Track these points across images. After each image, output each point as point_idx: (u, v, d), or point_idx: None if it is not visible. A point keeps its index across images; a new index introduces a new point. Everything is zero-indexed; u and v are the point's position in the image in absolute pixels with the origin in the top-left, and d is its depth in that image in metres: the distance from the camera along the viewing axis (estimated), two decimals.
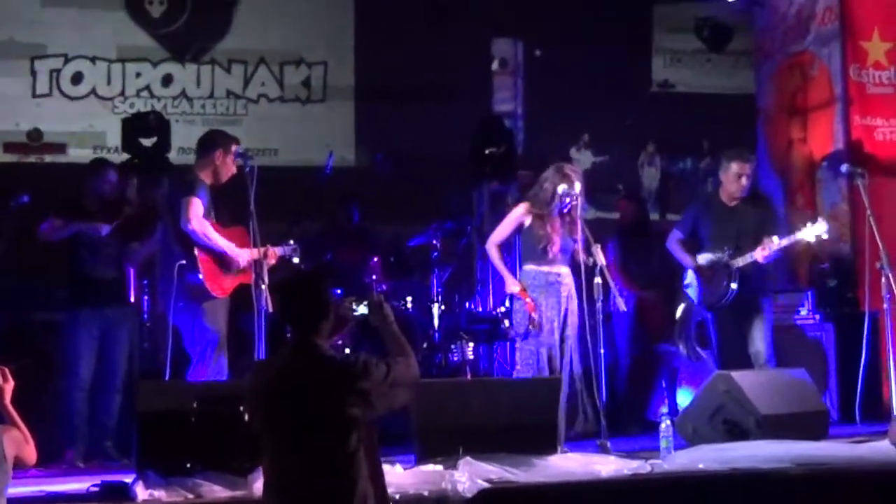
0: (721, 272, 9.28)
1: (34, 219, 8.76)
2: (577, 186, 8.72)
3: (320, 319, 5.34)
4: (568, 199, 8.69)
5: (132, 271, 9.18)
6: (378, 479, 5.33)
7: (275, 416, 5.23)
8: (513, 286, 8.81)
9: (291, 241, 8.91)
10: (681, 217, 10.12)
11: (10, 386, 7.57)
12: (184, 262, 8.06)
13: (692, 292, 9.55)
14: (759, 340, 9.31)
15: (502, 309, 9.97)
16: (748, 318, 9.36)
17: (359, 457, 5.15)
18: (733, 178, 9.41)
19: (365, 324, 5.84)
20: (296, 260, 9.29)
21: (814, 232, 9.07)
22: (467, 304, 10.84)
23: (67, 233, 8.62)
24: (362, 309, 5.70)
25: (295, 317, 5.38)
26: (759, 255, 9.06)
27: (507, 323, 9.10)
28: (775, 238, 9.08)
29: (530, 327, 8.64)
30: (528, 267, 8.84)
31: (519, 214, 8.90)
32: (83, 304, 8.58)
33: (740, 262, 9.20)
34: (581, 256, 8.58)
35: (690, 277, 9.54)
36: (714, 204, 9.60)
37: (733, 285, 9.21)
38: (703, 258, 9.41)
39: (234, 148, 8.47)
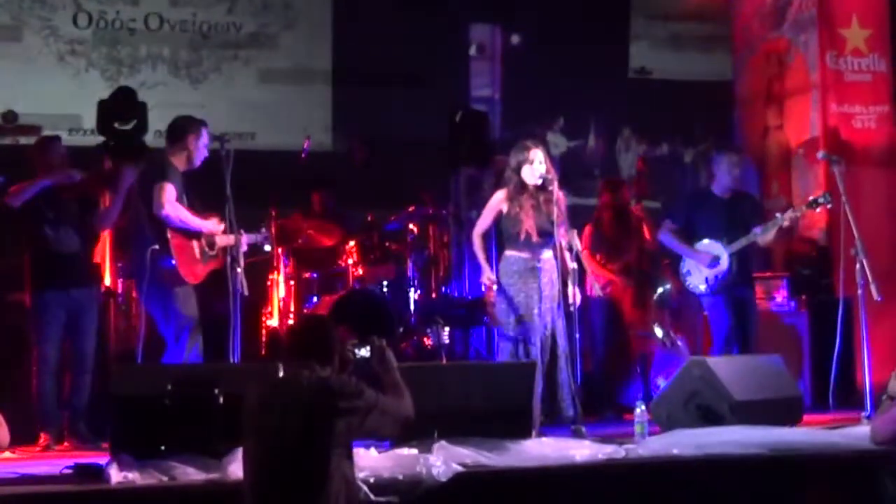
0: (718, 256, 9.39)
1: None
2: (535, 154, 8.76)
3: (324, 363, 5.63)
4: (530, 170, 8.72)
5: (108, 250, 9.14)
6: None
7: (262, 426, 5.51)
8: (485, 277, 8.86)
9: (263, 229, 8.92)
10: (672, 208, 10.23)
11: None
12: (156, 247, 8.05)
13: (692, 280, 9.60)
14: (752, 325, 9.50)
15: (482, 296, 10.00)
16: (744, 303, 9.50)
17: (338, 472, 5.43)
18: (726, 171, 9.60)
19: (365, 367, 5.96)
20: (267, 248, 9.31)
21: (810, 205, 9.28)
22: (444, 289, 10.85)
23: (38, 188, 8.40)
24: (363, 352, 5.93)
25: (302, 355, 5.67)
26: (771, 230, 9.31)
27: (491, 310, 9.10)
28: (779, 215, 9.31)
29: (512, 312, 8.68)
30: (509, 252, 8.87)
31: (498, 201, 8.93)
32: (48, 284, 8.42)
33: (737, 245, 9.38)
34: (558, 238, 8.59)
35: (689, 265, 9.59)
36: (708, 196, 9.74)
37: (727, 268, 9.40)
38: (700, 246, 9.49)
39: (204, 131, 8.48)
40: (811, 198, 9.41)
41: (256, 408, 5.61)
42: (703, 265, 9.48)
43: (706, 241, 9.51)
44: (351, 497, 5.58)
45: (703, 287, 9.57)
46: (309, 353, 5.64)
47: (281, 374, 5.78)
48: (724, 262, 9.39)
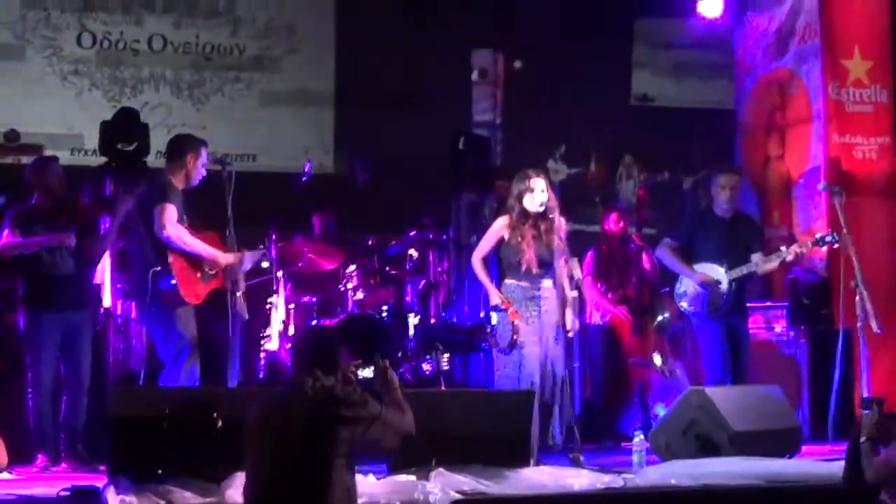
0: (715, 281, 9.38)
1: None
2: (537, 182, 8.77)
3: (328, 373, 5.65)
4: (531, 198, 8.72)
5: (108, 271, 9.13)
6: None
7: (265, 434, 5.55)
8: (496, 299, 8.83)
9: (261, 246, 8.92)
10: (673, 227, 10.18)
11: None
12: (158, 268, 8.04)
13: (685, 302, 9.59)
14: (744, 354, 9.46)
15: (483, 320, 9.97)
16: (737, 331, 9.48)
17: (340, 482, 5.44)
18: (720, 190, 9.59)
19: (368, 388, 5.94)
20: (265, 264, 9.30)
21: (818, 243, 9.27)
22: (443, 315, 10.84)
23: (33, 248, 8.43)
24: (366, 373, 6.04)
25: (306, 364, 5.71)
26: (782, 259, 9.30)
27: (489, 332, 9.06)
28: (784, 248, 9.32)
29: (514, 337, 8.66)
30: (509, 281, 8.87)
31: (500, 227, 8.93)
32: (43, 306, 8.41)
33: (737, 272, 9.36)
34: (558, 268, 8.60)
35: (686, 285, 9.59)
36: (709, 217, 9.72)
37: (726, 294, 9.38)
38: (700, 267, 9.48)
39: (203, 150, 8.49)
40: (818, 235, 9.38)
41: (261, 417, 5.64)
42: (699, 287, 9.46)
43: (706, 263, 9.49)
44: None
45: (694, 309, 9.56)
46: (313, 363, 5.68)
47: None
48: (724, 287, 9.38)
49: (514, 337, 8.67)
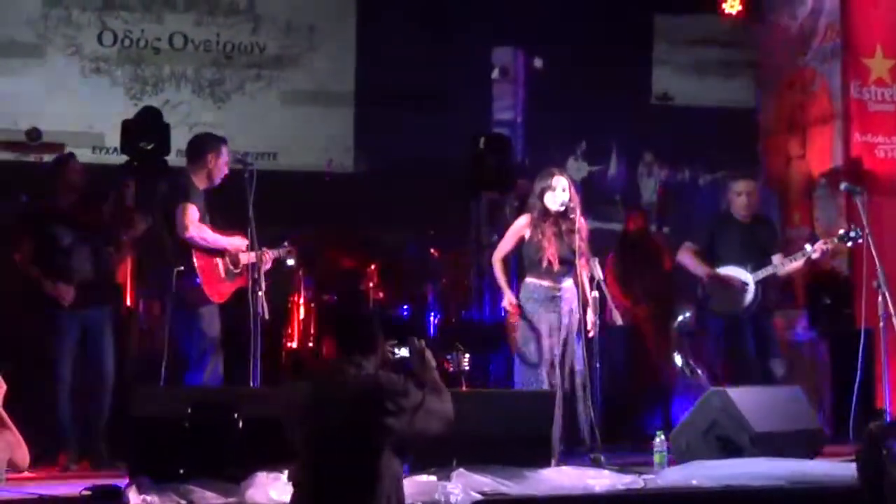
0: (742, 283, 9.36)
1: (29, 220, 8.71)
2: (559, 181, 8.75)
3: (368, 352, 5.62)
4: (552, 196, 8.71)
5: (129, 270, 9.16)
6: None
7: (312, 424, 5.48)
8: (507, 302, 8.83)
9: (286, 243, 8.92)
10: (694, 230, 10.16)
11: (2, 390, 7.58)
12: (182, 268, 8.07)
13: (710, 304, 9.58)
14: (773, 356, 9.49)
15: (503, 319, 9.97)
16: (764, 332, 9.48)
17: (389, 471, 5.42)
18: (735, 197, 9.65)
19: (402, 367, 5.95)
20: (290, 262, 9.31)
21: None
22: (463, 314, 10.83)
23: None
24: (403, 352, 6.09)
25: (350, 343, 5.67)
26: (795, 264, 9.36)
27: (509, 332, 9.07)
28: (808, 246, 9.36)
29: (532, 339, 8.66)
30: (529, 280, 8.84)
31: (521, 226, 8.90)
32: (61, 306, 8.43)
33: (762, 273, 9.38)
34: (579, 267, 8.59)
35: (710, 288, 9.57)
36: (729, 220, 9.72)
37: (753, 295, 9.39)
38: (724, 270, 9.47)
39: (224, 148, 8.50)
40: (842, 231, 9.34)
41: (305, 407, 5.58)
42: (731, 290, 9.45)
43: (731, 266, 9.48)
44: (401, 497, 5.56)
45: (724, 311, 9.55)
46: (354, 346, 5.65)
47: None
48: (751, 289, 9.37)
49: (533, 338, 8.67)
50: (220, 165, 8.50)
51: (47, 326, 8.48)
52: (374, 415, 5.40)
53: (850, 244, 9.30)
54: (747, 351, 9.48)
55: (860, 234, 9.10)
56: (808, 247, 9.32)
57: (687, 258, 9.71)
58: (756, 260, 9.45)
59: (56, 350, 8.45)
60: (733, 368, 9.60)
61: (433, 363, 5.91)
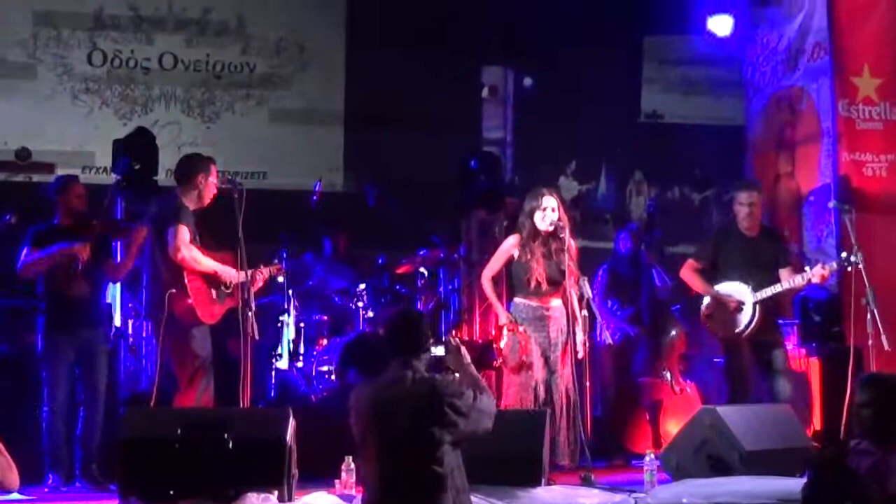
0: (739, 303, 9.35)
1: (15, 239, 8.69)
2: (548, 201, 8.77)
3: (419, 350, 5.93)
4: (541, 216, 8.73)
5: (119, 291, 9.15)
6: None
7: (379, 426, 5.78)
8: (504, 318, 8.83)
9: (276, 260, 8.93)
10: (698, 247, 10.15)
11: None
12: (174, 290, 8.07)
13: (711, 323, 9.57)
14: (780, 374, 9.44)
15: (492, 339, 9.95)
16: (767, 352, 9.45)
17: (451, 466, 5.76)
18: (739, 207, 9.59)
19: (439, 364, 6.31)
20: (281, 279, 9.31)
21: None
22: (454, 333, 10.82)
23: (50, 261, 8.45)
24: (438, 350, 6.29)
25: (401, 345, 5.96)
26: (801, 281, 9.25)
27: (499, 352, 9.05)
28: (808, 269, 9.28)
29: (523, 357, 8.66)
30: (518, 300, 8.87)
31: (509, 246, 8.93)
32: (58, 326, 8.43)
33: (762, 294, 9.31)
34: (568, 286, 8.60)
35: (711, 307, 9.56)
36: (734, 234, 9.67)
37: (751, 317, 9.32)
38: (724, 287, 9.45)
39: (212, 167, 8.52)
40: (843, 255, 9.29)
41: (366, 414, 5.86)
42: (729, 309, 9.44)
43: (731, 283, 9.46)
44: (465, 485, 5.90)
45: (719, 332, 9.55)
46: (407, 349, 5.93)
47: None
48: (749, 310, 9.35)
49: (523, 357, 8.68)
50: (210, 185, 8.52)
51: (44, 346, 8.48)
52: (436, 418, 5.71)
53: (849, 268, 9.26)
54: (745, 371, 9.47)
55: (860, 258, 9.08)
56: (808, 270, 9.28)
57: (689, 276, 9.70)
58: (760, 276, 9.37)
59: (52, 370, 8.44)
60: (730, 388, 9.60)
61: (468, 359, 6.21)
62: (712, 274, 9.60)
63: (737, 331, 9.41)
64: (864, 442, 5.81)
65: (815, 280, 9.22)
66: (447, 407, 5.74)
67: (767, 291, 9.30)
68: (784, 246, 9.97)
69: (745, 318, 9.37)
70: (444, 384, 5.83)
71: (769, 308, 9.43)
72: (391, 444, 5.74)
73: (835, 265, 9.28)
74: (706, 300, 9.58)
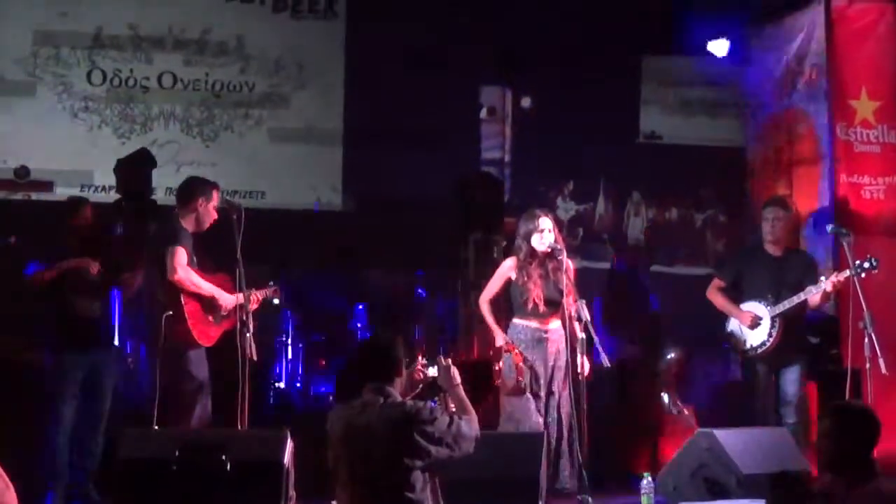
0: (756, 318, 9.32)
1: (19, 259, 8.71)
2: (544, 222, 8.79)
3: (393, 375, 5.96)
4: (538, 238, 8.74)
5: (118, 310, 9.15)
6: None
7: (349, 453, 5.81)
8: (501, 341, 8.83)
9: (271, 283, 8.94)
10: (721, 266, 10.13)
11: None
12: (171, 312, 8.07)
13: (734, 342, 9.55)
14: (790, 395, 9.41)
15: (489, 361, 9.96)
16: (784, 372, 9.44)
17: (425, 493, 5.79)
18: (763, 223, 9.60)
19: (434, 385, 6.31)
20: (276, 301, 9.31)
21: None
22: (451, 354, 10.82)
23: (56, 271, 8.49)
24: (432, 371, 6.26)
25: (372, 372, 5.97)
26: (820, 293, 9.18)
27: (496, 374, 9.04)
28: (823, 279, 9.23)
29: (520, 379, 8.66)
30: (516, 321, 8.88)
31: (507, 268, 8.95)
32: (68, 346, 8.47)
33: (780, 308, 9.27)
34: (567, 308, 8.60)
35: (733, 325, 9.53)
36: (759, 254, 9.65)
37: (768, 334, 9.28)
38: (747, 306, 9.43)
39: (214, 193, 8.50)
40: (857, 262, 9.27)
41: (338, 438, 5.89)
42: (745, 325, 9.40)
43: (751, 302, 9.45)
44: None
45: (743, 349, 9.52)
46: (376, 374, 5.95)
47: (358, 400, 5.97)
48: (766, 325, 9.31)
49: (521, 379, 8.68)
50: (210, 210, 8.49)
51: (53, 364, 8.50)
52: (405, 445, 5.71)
53: (863, 274, 9.20)
54: (757, 391, 9.44)
55: (875, 263, 9.06)
56: (822, 279, 9.26)
57: (713, 295, 9.66)
58: (786, 295, 9.31)
59: (60, 388, 8.48)
60: (750, 407, 9.56)
61: (458, 380, 6.21)
62: (735, 292, 9.58)
63: (751, 348, 9.38)
64: (826, 476, 5.62)
65: (828, 289, 9.17)
66: (418, 434, 5.74)
67: (785, 304, 9.26)
68: (810, 266, 9.73)
69: (758, 335, 9.34)
70: (414, 410, 5.81)
71: (790, 326, 9.37)
72: (362, 470, 5.77)
73: (848, 272, 9.21)
74: (731, 321, 9.55)
